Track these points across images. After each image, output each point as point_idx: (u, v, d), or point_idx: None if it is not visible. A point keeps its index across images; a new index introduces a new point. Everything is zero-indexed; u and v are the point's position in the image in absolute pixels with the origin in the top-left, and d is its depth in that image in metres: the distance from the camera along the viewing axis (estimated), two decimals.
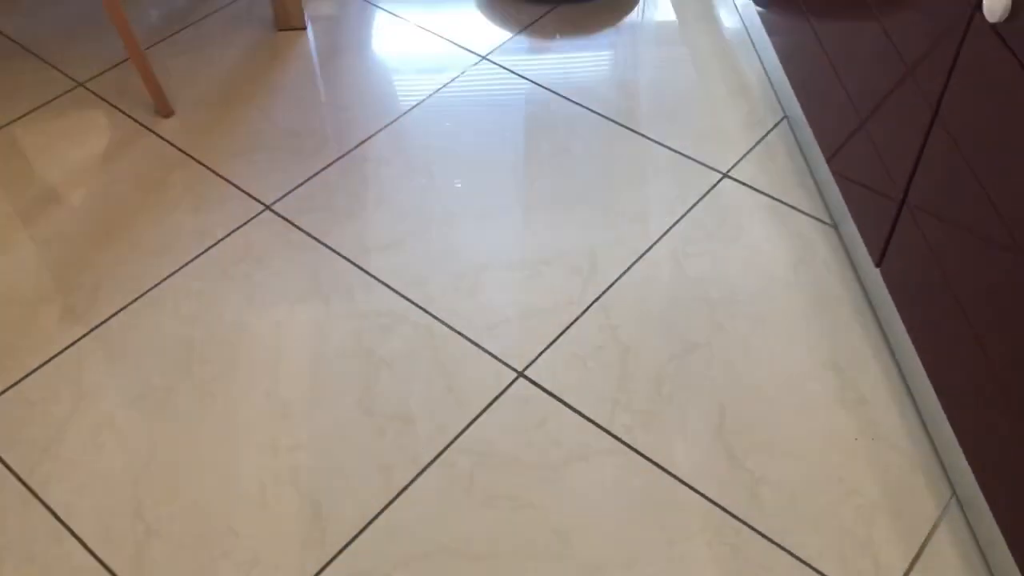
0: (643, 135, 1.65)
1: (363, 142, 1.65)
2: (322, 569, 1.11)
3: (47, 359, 1.33)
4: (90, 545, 1.14)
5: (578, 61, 1.82)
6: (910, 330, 1.18)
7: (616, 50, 1.85)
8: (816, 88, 1.44)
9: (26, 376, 1.31)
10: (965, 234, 1.02)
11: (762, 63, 1.80)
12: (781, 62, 1.60)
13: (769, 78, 1.77)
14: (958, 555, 1.12)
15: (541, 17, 1.92)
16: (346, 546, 1.14)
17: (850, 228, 1.44)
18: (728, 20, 1.91)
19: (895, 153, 1.19)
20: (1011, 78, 0.91)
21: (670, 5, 1.95)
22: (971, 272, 1.02)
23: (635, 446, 1.22)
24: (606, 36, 1.87)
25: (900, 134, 1.17)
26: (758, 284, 1.41)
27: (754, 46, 1.84)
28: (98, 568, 1.12)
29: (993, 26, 0.93)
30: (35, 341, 1.36)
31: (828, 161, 1.42)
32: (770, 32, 1.66)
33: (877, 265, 1.27)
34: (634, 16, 1.93)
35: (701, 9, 1.94)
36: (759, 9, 1.73)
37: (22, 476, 1.20)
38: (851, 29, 1.30)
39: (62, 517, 1.16)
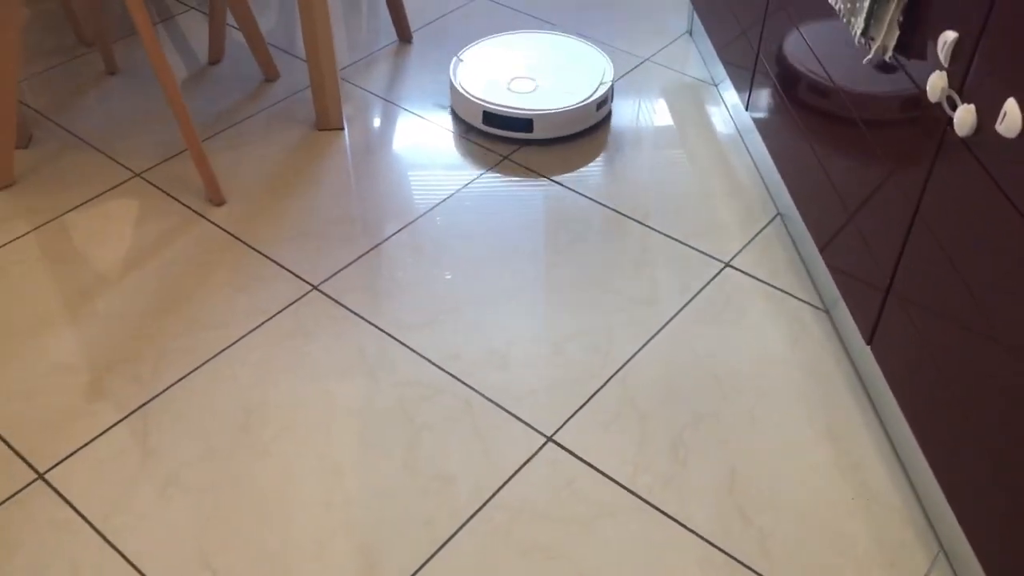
0: (651, 227, 1.84)
1: (399, 230, 1.82)
2: None
3: (116, 421, 1.46)
4: None
5: (589, 162, 2.02)
6: (899, 400, 1.34)
7: (623, 152, 2.04)
8: (806, 186, 1.63)
9: (97, 436, 1.44)
10: (947, 318, 1.19)
11: (755, 163, 2.00)
12: (774, 162, 1.80)
13: (762, 177, 1.97)
14: None
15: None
16: None
17: (842, 311, 1.60)
18: (721, 124, 2.11)
19: (881, 245, 1.36)
20: (980, 184, 1.09)
21: (667, 112, 2.16)
22: (954, 351, 1.18)
23: (656, 504, 1.35)
24: (612, 142, 2.08)
25: (885, 228, 1.35)
26: (760, 361, 1.57)
27: (747, 148, 2.04)
28: None
29: (963, 139, 1.11)
30: (104, 405, 1.49)
31: (821, 251, 1.59)
32: (762, 135, 1.86)
33: (868, 343, 1.43)
34: (636, 122, 2.14)
35: (697, 115, 2.15)
36: (751, 115, 1.93)
37: (96, 525, 1.32)
38: (837, 134, 1.49)
39: (135, 563, 1.27)
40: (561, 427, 1.46)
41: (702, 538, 1.31)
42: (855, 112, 1.42)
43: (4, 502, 1.35)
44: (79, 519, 1.33)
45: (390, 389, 1.51)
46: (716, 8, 2.08)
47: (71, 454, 1.41)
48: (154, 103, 2.15)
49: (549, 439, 1.45)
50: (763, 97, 1.82)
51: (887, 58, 1.28)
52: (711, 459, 1.41)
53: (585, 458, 1.42)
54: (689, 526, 1.32)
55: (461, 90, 1.92)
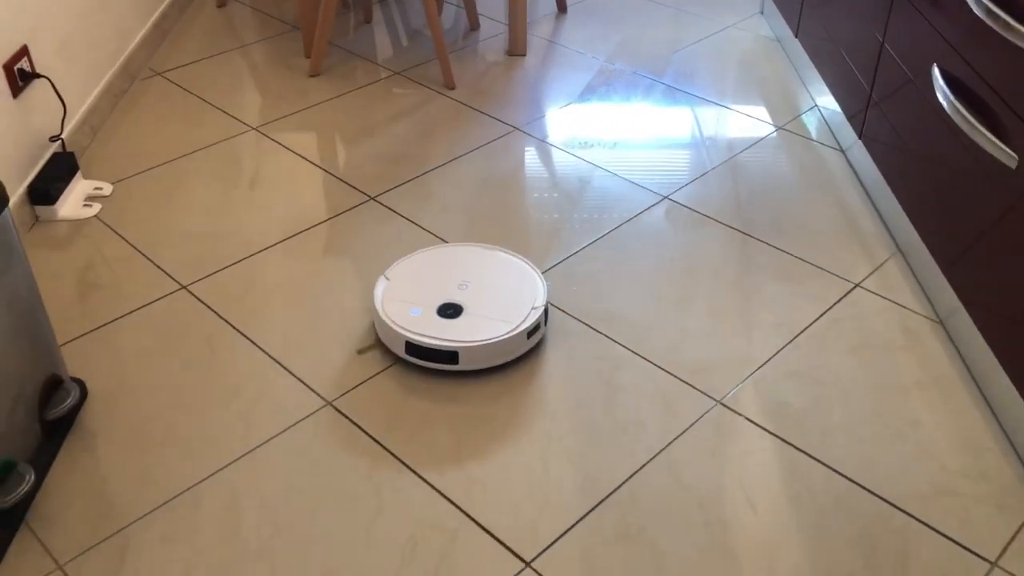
0: (787, 252, 1.95)
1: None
2: None
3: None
4: None
5: (721, 185, 2.14)
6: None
7: (756, 181, 2.15)
8: (929, 214, 1.66)
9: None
10: None
11: (871, 199, 2.05)
12: (892, 191, 1.85)
13: (879, 212, 2.02)
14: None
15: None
16: None
17: (963, 321, 1.66)
18: (837, 164, 2.20)
19: (1013, 272, 1.39)
20: None
21: (780, 146, 2.25)
22: None
23: None
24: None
25: (1014, 254, 1.38)
26: (884, 358, 1.64)
27: (863, 186, 2.09)
28: None
29: None
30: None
31: (944, 272, 1.63)
32: (884, 174, 1.92)
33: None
34: (757, 159, 2.22)
35: (813, 161, 2.24)
36: (860, 141, 1.98)
37: None
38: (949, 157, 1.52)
39: None
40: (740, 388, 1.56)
41: None
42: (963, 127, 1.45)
43: None
44: None
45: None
46: None
47: None
48: (396, 41, 2.89)
49: (720, 402, 1.54)
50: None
51: None
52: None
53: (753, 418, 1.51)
54: None
55: (384, 316, 1.69)
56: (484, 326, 1.69)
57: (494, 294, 1.76)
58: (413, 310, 1.71)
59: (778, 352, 1.68)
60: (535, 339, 1.73)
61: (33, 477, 1.37)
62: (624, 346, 1.71)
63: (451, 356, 1.64)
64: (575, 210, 2.08)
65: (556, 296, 1.83)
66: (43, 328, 1.48)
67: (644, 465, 1.47)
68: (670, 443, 1.51)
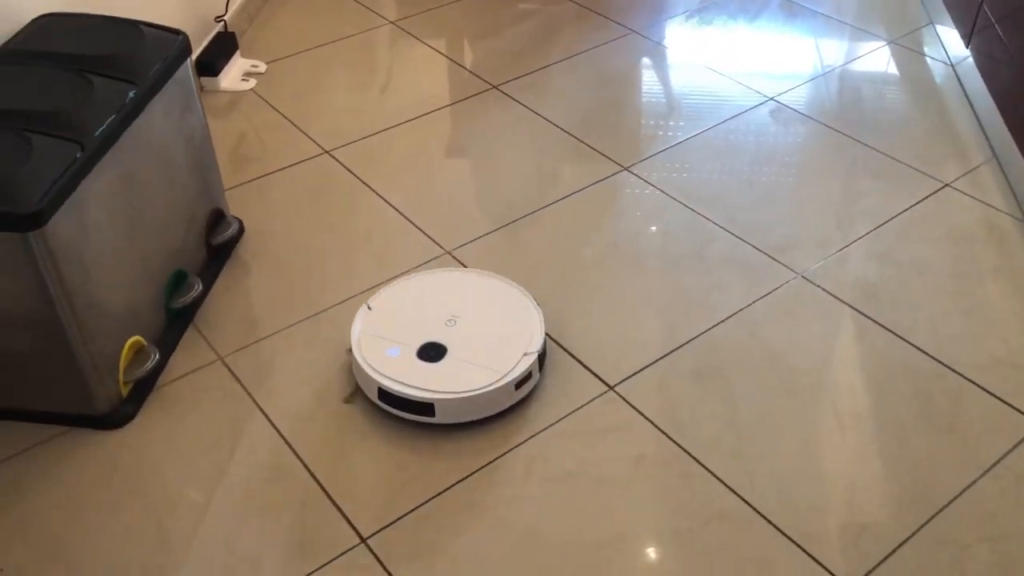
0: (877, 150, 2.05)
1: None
2: None
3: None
4: None
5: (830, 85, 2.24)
6: None
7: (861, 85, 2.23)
8: None
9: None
10: None
11: (974, 110, 2.12)
12: (995, 102, 1.91)
13: (980, 121, 2.08)
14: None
15: None
16: None
17: None
18: (940, 72, 2.25)
19: None
20: None
21: (890, 58, 2.32)
22: None
23: None
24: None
25: None
26: (964, 248, 1.76)
27: (968, 98, 2.16)
28: None
29: None
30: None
31: None
32: (990, 87, 1.97)
33: None
34: (866, 69, 2.29)
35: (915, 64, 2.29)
36: (970, 55, 2.03)
37: None
38: None
39: None
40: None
41: None
42: None
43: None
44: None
45: None
46: None
47: None
48: None
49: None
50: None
51: None
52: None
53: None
54: None
55: (358, 355, 1.51)
56: (466, 373, 1.47)
57: (484, 333, 1.54)
58: (391, 350, 1.51)
59: (861, 237, 1.81)
60: (525, 390, 1.50)
61: (200, 287, 1.64)
62: (715, 223, 1.85)
63: (426, 408, 1.45)
64: (683, 105, 2.22)
65: (659, 179, 1.98)
66: (212, 166, 1.74)
67: (723, 320, 1.64)
68: (750, 304, 1.66)
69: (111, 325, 1.45)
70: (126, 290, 1.49)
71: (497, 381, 1.45)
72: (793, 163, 2.02)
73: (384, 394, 1.46)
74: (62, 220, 1.29)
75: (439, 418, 1.45)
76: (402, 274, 1.71)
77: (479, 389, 1.44)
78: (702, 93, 2.26)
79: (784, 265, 1.75)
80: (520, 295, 1.61)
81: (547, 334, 1.59)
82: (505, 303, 1.60)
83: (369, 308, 1.58)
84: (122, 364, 1.47)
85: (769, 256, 1.77)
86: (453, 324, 1.54)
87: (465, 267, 1.64)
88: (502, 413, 1.48)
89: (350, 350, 1.54)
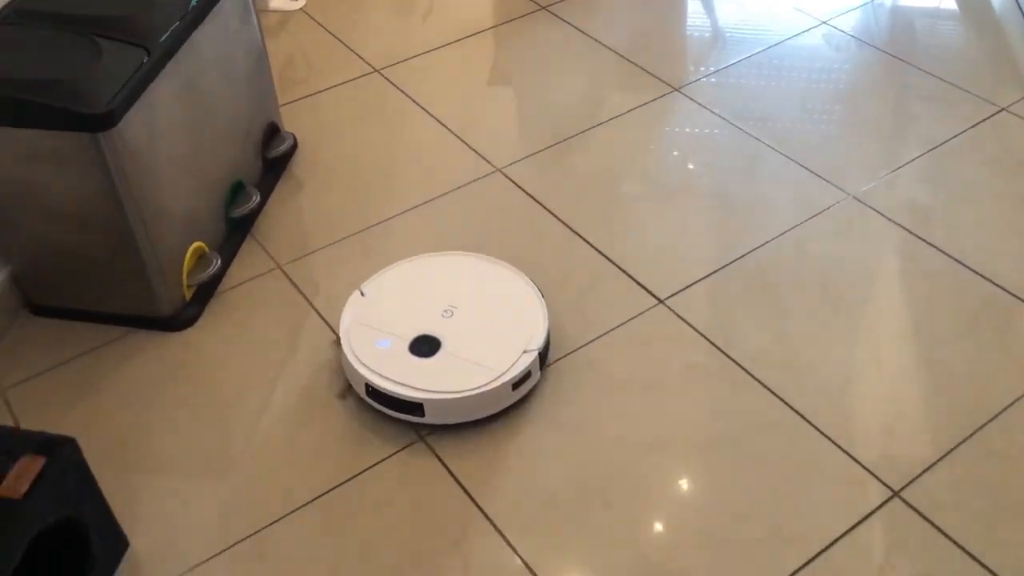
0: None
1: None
2: None
3: None
4: None
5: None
6: None
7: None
8: None
9: None
10: None
11: None
12: None
13: None
14: None
15: None
16: None
17: None
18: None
19: None
20: None
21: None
22: None
23: None
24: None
25: None
26: (1018, 172, 1.75)
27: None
28: None
29: None
30: None
31: None
32: None
33: None
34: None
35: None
36: None
37: None
38: None
39: None
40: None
41: None
42: None
43: None
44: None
45: None
46: None
47: None
48: None
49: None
50: None
51: None
52: None
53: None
54: None
55: (347, 347, 1.41)
56: (460, 372, 1.37)
57: (482, 327, 1.43)
58: (381, 342, 1.41)
59: (914, 159, 1.80)
60: (523, 389, 1.40)
61: (258, 198, 1.67)
62: (767, 144, 1.85)
63: (415, 407, 1.36)
64: (735, 28, 2.20)
65: (709, 101, 1.97)
66: (267, 79, 1.77)
67: (773, 238, 1.65)
68: (800, 223, 1.67)
69: (175, 229, 1.49)
70: (189, 196, 1.53)
71: (492, 381, 1.35)
72: (845, 86, 2.00)
73: (372, 391, 1.38)
74: (131, 122, 1.32)
75: (429, 418, 1.36)
76: (397, 263, 1.54)
77: (472, 390, 1.34)
78: (754, 16, 2.24)
79: (835, 186, 1.75)
80: (524, 284, 1.50)
81: (547, 333, 1.43)
82: (507, 293, 1.48)
83: (362, 294, 1.47)
84: (185, 268, 1.51)
85: (820, 177, 1.77)
86: (450, 315, 1.43)
87: (467, 253, 1.54)
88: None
89: (337, 341, 1.47)
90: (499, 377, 1.35)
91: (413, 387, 1.34)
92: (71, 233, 1.41)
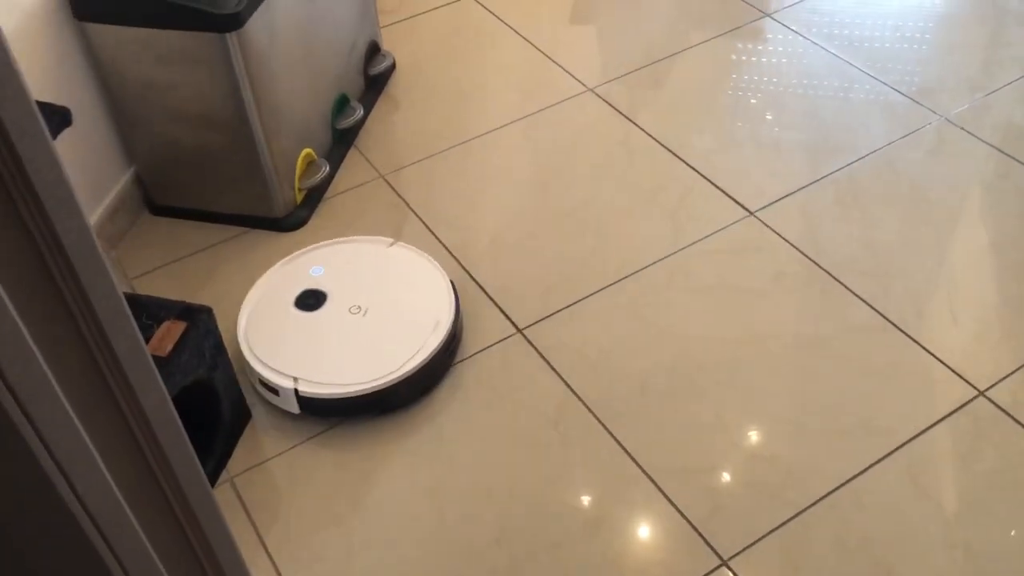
0: None
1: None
2: None
3: None
4: None
5: None
6: None
7: None
8: None
9: None
10: None
11: None
12: None
13: None
14: None
15: None
16: None
17: None
18: None
19: None
20: None
21: None
22: None
23: None
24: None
25: None
26: None
27: None
28: None
29: None
30: None
31: None
32: None
33: None
34: None
35: None
36: None
37: None
38: None
39: None
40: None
41: None
42: None
43: None
44: None
45: None
46: None
47: None
48: None
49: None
50: None
51: None
52: None
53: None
54: None
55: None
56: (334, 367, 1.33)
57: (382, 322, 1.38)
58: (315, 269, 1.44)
59: (1010, 83, 1.79)
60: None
61: (361, 111, 1.75)
62: (859, 68, 1.86)
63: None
64: None
65: (801, 26, 1.97)
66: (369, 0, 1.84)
67: (865, 156, 1.67)
68: (892, 143, 1.69)
69: (290, 134, 1.58)
70: (302, 103, 1.61)
71: (370, 384, 1.30)
72: (940, 11, 2.00)
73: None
74: (255, 24, 1.40)
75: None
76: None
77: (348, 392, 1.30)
78: None
79: (928, 108, 1.76)
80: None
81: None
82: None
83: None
84: (297, 171, 1.60)
85: (912, 99, 1.78)
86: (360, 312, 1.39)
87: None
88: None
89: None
90: (392, 373, 1.31)
91: (282, 374, 1.32)
92: (195, 133, 1.51)
